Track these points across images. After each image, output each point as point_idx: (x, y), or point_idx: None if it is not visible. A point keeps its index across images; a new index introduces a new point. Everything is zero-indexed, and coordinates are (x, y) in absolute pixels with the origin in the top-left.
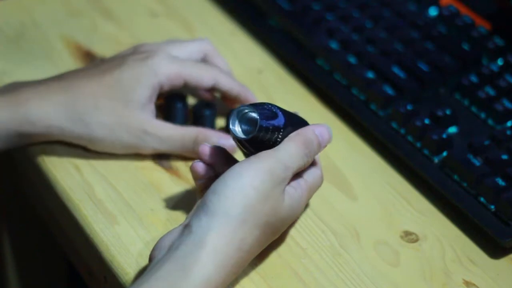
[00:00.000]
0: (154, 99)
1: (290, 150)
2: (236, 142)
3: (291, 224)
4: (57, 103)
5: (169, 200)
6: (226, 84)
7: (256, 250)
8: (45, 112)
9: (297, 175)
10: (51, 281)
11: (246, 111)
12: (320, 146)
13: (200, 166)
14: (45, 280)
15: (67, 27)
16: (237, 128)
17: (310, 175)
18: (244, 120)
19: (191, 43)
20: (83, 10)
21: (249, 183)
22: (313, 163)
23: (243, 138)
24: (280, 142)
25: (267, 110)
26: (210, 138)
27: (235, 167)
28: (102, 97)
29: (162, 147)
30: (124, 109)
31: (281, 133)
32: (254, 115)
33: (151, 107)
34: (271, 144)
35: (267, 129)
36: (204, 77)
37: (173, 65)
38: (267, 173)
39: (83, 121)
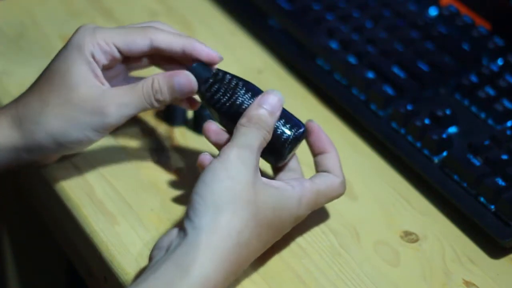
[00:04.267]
0: (98, 72)
1: (243, 131)
2: (205, 103)
3: (296, 227)
4: (12, 116)
5: (169, 200)
6: (165, 40)
7: (255, 245)
8: (4, 131)
9: (304, 178)
10: (51, 281)
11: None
12: (272, 114)
13: (207, 159)
14: (45, 280)
15: (67, 27)
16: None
17: (322, 180)
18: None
19: (133, 30)
20: (83, 10)
21: (225, 176)
22: (334, 172)
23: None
24: (242, 95)
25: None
26: (163, 79)
27: (209, 165)
28: (46, 92)
29: (128, 112)
30: (69, 93)
31: (240, 82)
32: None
33: (99, 81)
34: (235, 96)
35: (224, 73)
36: (135, 38)
37: (97, 33)
38: (238, 161)
39: (38, 122)
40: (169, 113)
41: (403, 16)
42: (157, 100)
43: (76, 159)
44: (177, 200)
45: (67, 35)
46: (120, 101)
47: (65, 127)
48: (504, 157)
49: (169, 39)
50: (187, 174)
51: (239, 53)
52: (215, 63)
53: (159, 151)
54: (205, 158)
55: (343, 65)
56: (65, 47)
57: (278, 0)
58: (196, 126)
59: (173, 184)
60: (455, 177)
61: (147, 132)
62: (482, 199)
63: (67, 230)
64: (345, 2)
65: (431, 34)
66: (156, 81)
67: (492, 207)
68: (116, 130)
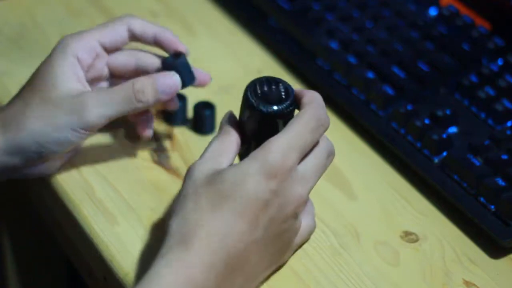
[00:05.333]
0: (79, 73)
1: (213, 145)
2: (255, 118)
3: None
4: None
5: (169, 200)
6: (139, 26)
7: (251, 252)
8: None
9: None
10: (51, 281)
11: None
12: None
13: None
14: (45, 280)
15: (67, 27)
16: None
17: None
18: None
19: (111, 24)
20: (83, 10)
21: (188, 179)
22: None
23: (276, 110)
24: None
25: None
26: (146, 81)
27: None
28: (27, 93)
29: (108, 112)
30: (48, 94)
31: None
32: (283, 88)
33: (80, 83)
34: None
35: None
36: (115, 30)
37: (82, 34)
38: (196, 166)
39: (19, 126)
40: (169, 113)
41: (403, 16)
42: (139, 101)
43: (76, 159)
44: None
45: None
46: (100, 100)
47: (44, 128)
48: (504, 157)
49: (144, 25)
50: None
51: (239, 53)
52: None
53: (159, 151)
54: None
55: (343, 65)
56: (52, 50)
57: (278, 0)
58: (196, 126)
59: (173, 184)
60: (455, 177)
61: None
62: (482, 199)
63: (67, 230)
64: (345, 2)
65: (431, 34)
66: (138, 81)
67: (492, 207)
68: (116, 130)
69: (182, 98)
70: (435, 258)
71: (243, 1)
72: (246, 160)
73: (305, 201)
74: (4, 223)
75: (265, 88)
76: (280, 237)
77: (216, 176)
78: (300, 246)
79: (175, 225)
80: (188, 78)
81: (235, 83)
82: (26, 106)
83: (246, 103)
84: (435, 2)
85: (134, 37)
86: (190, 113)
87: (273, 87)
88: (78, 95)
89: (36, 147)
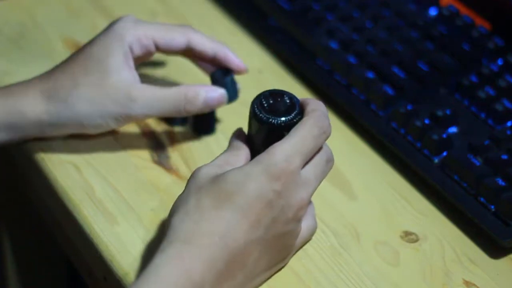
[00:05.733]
0: (131, 63)
1: (222, 156)
2: (260, 128)
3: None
4: (41, 91)
5: (169, 200)
6: (200, 42)
7: (252, 251)
8: (31, 100)
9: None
10: (51, 281)
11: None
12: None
13: None
14: (45, 280)
15: (67, 27)
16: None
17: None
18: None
19: (172, 28)
20: (83, 10)
21: (192, 179)
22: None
23: (283, 120)
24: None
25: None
26: (198, 94)
27: None
28: (79, 74)
29: (153, 111)
30: (102, 80)
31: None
32: (288, 100)
33: (131, 73)
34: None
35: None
36: (175, 36)
37: (139, 26)
38: (201, 169)
39: (66, 101)
40: None
41: (403, 16)
42: (187, 110)
43: (76, 159)
44: None
45: (67, 35)
46: (148, 100)
47: (90, 110)
48: (504, 157)
49: (204, 42)
50: (187, 174)
51: (239, 53)
52: (241, 73)
53: (159, 151)
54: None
55: (343, 65)
56: (105, 34)
57: (278, 0)
58: (196, 126)
59: (173, 184)
60: (455, 177)
61: (147, 132)
62: (482, 199)
63: (67, 230)
64: (345, 2)
65: (431, 34)
66: (191, 91)
67: (492, 207)
68: (116, 130)
69: None
70: (435, 258)
71: (243, 1)
72: (250, 162)
73: (307, 204)
74: (4, 223)
75: (271, 101)
76: (282, 239)
77: (219, 177)
78: (301, 246)
79: (176, 222)
80: (232, 95)
81: None
82: (76, 86)
83: (254, 117)
84: (435, 2)
85: (191, 50)
86: None
87: (278, 99)
88: (129, 86)
89: (77, 126)
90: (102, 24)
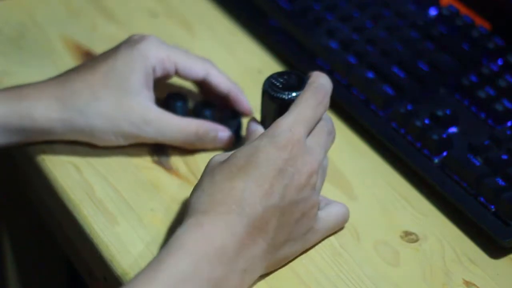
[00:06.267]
0: (150, 84)
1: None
2: (273, 103)
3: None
4: (56, 97)
5: (169, 200)
6: (217, 77)
7: (270, 216)
8: (45, 106)
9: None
10: (51, 281)
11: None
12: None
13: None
14: (45, 280)
15: (67, 27)
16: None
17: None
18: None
19: (194, 57)
20: (83, 10)
21: (206, 167)
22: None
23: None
24: None
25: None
26: (210, 131)
27: None
28: (99, 87)
29: (163, 139)
30: (122, 97)
31: None
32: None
33: (149, 94)
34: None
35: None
36: (196, 65)
37: (163, 48)
38: (215, 156)
39: (82, 112)
40: (169, 112)
41: (403, 16)
42: (194, 146)
43: (76, 159)
44: (177, 200)
45: (67, 35)
46: (161, 128)
47: (105, 126)
48: (504, 157)
49: (221, 78)
50: (187, 174)
51: (239, 53)
52: (246, 115)
53: (159, 151)
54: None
55: (343, 65)
56: (129, 51)
57: (278, 0)
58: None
59: (173, 184)
60: (455, 177)
61: None
62: (482, 199)
63: (67, 230)
64: (345, 2)
65: (431, 34)
66: (203, 129)
67: (492, 207)
68: None
69: (182, 97)
70: (435, 258)
71: (243, 1)
72: (257, 138)
73: (316, 171)
74: (4, 223)
75: (281, 80)
76: (298, 206)
77: (230, 156)
78: (330, 232)
79: (193, 199)
80: (237, 137)
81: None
82: (96, 100)
83: (267, 97)
84: (435, 2)
85: (206, 83)
86: (190, 113)
87: (287, 77)
88: (146, 109)
89: (87, 137)
90: (102, 24)
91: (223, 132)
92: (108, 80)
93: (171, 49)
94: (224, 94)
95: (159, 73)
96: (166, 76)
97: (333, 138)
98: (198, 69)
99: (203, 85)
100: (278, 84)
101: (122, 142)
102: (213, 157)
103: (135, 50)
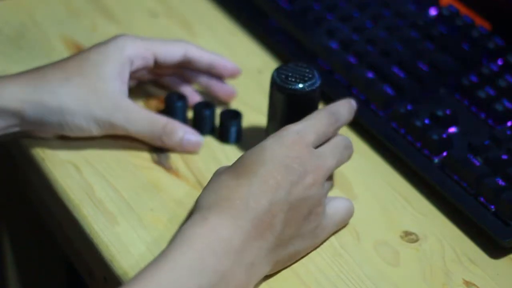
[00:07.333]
0: (125, 76)
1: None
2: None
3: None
4: (28, 79)
5: (169, 200)
6: (197, 51)
7: (276, 211)
8: (17, 87)
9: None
10: (51, 281)
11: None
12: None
13: None
14: (45, 280)
15: (67, 27)
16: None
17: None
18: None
19: (170, 41)
20: (83, 10)
21: (215, 174)
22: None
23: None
24: None
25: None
26: (177, 130)
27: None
28: (72, 73)
29: (132, 129)
30: (95, 82)
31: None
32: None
33: (124, 86)
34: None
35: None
36: (173, 47)
37: (139, 41)
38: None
39: (54, 92)
40: (169, 112)
41: (403, 16)
42: (162, 141)
43: (76, 159)
44: (177, 200)
45: (67, 35)
46: (131, 114)
47: (76, 109)
48: (504, 157)
49: (200, 51)
50: (187, 174)
51: (239, 53)
52: (236, 76)
53: (159, 151)
54: None
55: (343, 65)
56: (105, 44)
57: (278, 0)
58: (196, 126)
59: (173, 184)
60: (455, 177)
61: None
62: (482, 199)
63: (67, 230)
64: (345, 2)
65: (431, 34)
66: (170, 125)
67: (492, 207)
68: None
69: (182, 97)
70: (435, 258)
71: (243, 1)
72: (264, 139)
73: (325, 175)
74: (4, 223)
75: (290, 72)
76: (306, 204)
77: (237, 160)
78: (338, 227)
79: (200, 199)
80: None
81: (234, 83)
82: (68, 80)
83: (276, 88)
84: (435, 2)
85: (188, 61)
86: (190, 113)
87: (297, 69)
88: (118, 97)
89: (58, 125)
90: (102, 24)
91: (191, 135)
92: (81, 67)
93: (147, 40)
94: (208, 65)
95: (138, 63)
96: (146, 66)
97: (350, 154)
98: (176, 49)
99: (185, 65)
100: (288, 75)
101: (93, 129)
102: (221, 167)
103: (111, 42)
